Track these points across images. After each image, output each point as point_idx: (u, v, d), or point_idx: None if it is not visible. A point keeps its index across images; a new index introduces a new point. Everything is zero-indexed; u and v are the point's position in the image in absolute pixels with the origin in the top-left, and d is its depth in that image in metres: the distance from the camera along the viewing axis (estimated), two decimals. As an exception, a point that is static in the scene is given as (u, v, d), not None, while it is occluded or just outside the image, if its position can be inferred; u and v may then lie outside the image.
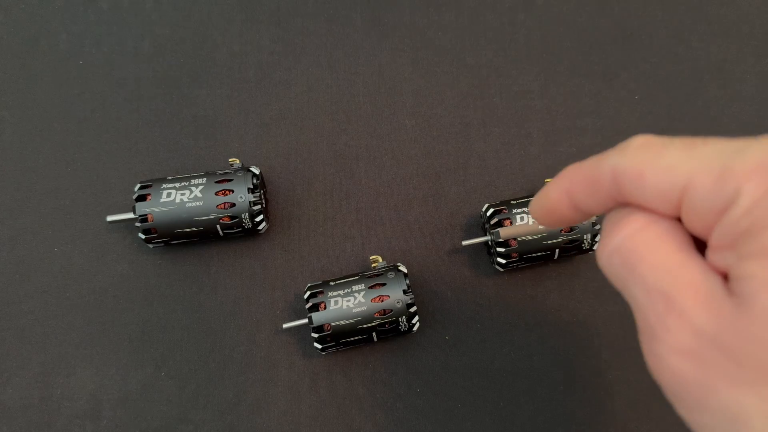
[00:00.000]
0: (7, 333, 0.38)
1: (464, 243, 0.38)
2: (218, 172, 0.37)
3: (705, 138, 0.17)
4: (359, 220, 0.40)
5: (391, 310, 0.34)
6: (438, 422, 0.37)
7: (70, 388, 0.37)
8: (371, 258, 0.37)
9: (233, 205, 0.36)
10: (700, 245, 0.18)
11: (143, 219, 0.36)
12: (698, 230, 0.17)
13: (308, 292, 0.35)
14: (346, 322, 0.34)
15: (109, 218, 0.37)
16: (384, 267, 0.37)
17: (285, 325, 0.36)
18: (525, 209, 0.36)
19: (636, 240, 0.17)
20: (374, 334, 0.35)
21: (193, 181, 0.36)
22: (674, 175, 0.17)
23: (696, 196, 0.16)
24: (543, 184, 0.39)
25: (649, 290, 0.17)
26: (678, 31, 0.43)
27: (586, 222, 0.36)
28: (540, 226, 0.35)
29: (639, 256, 0.17)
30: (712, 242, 0.16)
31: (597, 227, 0.36)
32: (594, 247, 0.37)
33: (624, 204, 0.19)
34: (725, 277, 0.16)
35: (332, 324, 0.34)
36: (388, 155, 0.41)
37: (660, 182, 0.17)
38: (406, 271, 0.36)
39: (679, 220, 0.18)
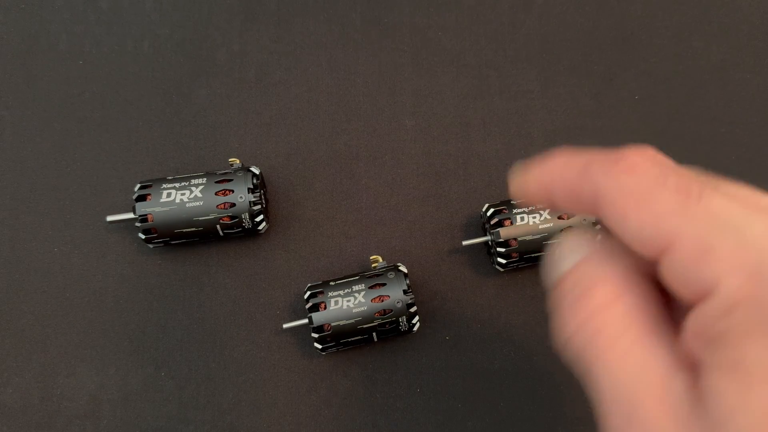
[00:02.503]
0: (7, 333, 0.38)
1: (464, 243, 0.38)
2: (218, 172, 0.37)
3: (713, 184, 0.15)
4: (359, 220, 0.40)
5: (391, 310, 0.34)
6: (438, 422, 0.37)
7: (70, 388, 0.37)
8: (371, 258, 0.37)
9: (233, 205, 0.36)
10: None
11: (143, 219, 0.36)
12: (676, 291, 0.15)
13: (308, 292, 0.35)
14: (346, 322, 0.34)
15: (109, 218, 0.37)
16: (384, 267, 0.37)
17: (285, 325, 0.36)
18: (525, 209, 0.36)
19: (596, 324, 0.16)
20: (374, 334, 0.35)
21: (193, 181, 0.36)
22: (659, 229, 0.14)
23: (676, 262, 0.14)
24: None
25: (611, 389, 0.15)
26: (678, 31, 0.43)
27: (585, 222, 0.36)
28: (541, 226, 0.36)
29: (599, 348, 0.15)
30: (688, 324, 0.14)
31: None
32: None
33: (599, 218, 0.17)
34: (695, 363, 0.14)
35: (332, 324, 0.34)
36: (388, 155, 0.41)
37: (643, 231, 0.15)
38: (406, 271, 0.36)
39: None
